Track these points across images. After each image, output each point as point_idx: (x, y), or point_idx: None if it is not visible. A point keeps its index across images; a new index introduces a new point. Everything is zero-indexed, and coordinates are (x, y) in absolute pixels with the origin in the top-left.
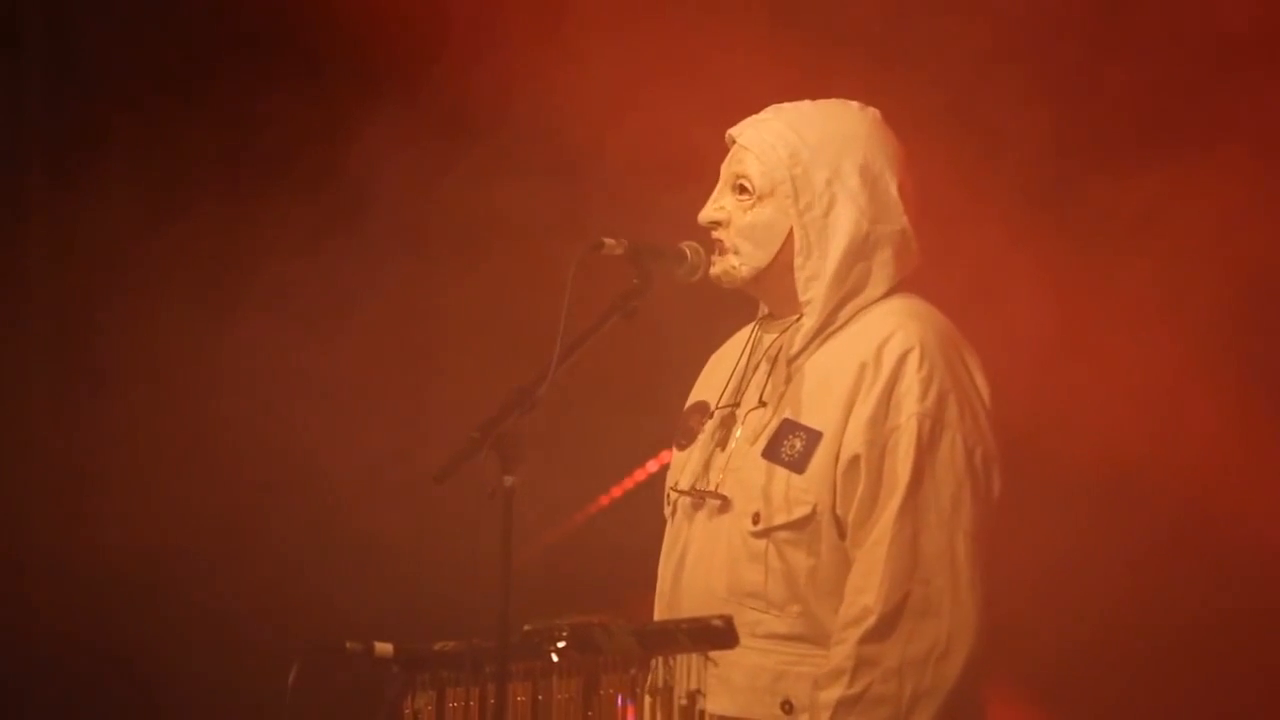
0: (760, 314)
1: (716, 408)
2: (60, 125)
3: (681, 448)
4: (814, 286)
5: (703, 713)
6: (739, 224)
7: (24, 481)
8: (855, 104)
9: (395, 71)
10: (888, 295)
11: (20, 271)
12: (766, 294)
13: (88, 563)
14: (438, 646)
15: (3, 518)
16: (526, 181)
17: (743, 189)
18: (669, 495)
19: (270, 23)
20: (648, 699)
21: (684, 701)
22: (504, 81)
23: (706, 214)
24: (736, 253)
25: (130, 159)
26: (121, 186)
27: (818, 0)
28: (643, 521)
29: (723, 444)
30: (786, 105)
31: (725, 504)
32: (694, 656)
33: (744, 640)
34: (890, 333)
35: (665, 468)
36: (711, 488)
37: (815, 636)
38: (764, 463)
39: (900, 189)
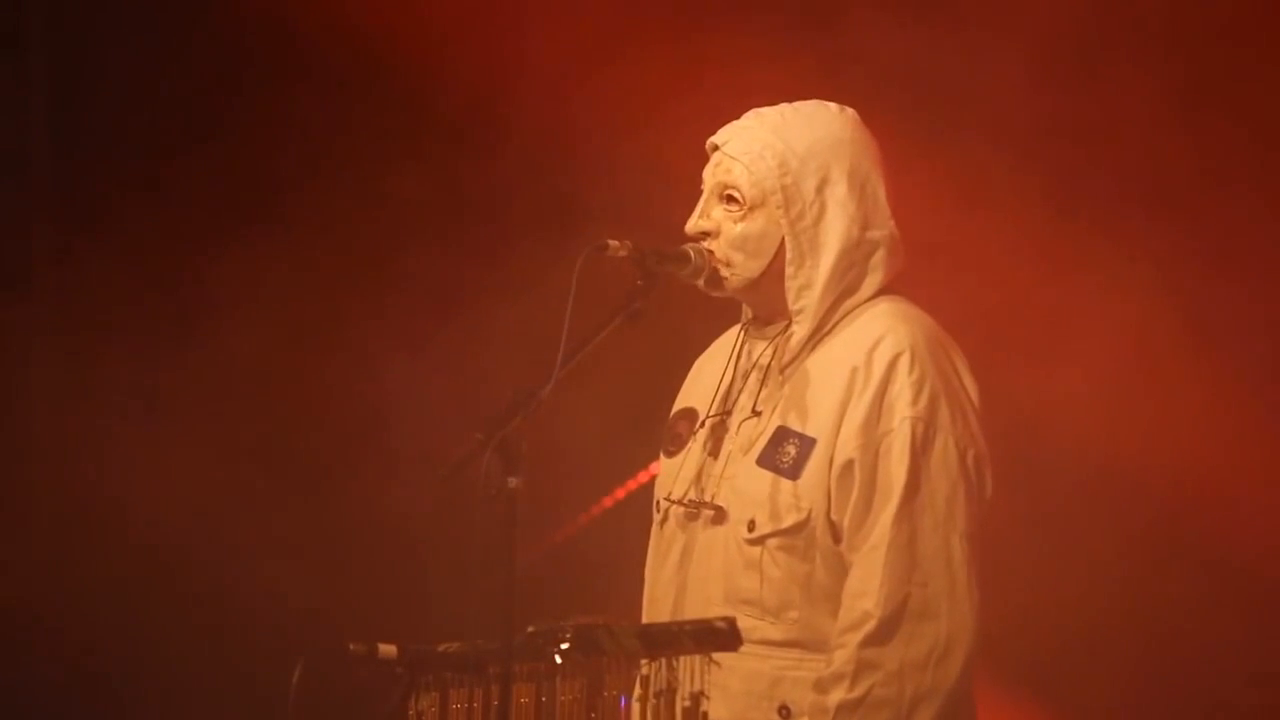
0: (745, 318)
1: (707, 416)
2: (64, 128)
3: (670, 455)
4: (806, 296)
5: (705, 715)
6: (730, 235)
7: (27, 486)
8: (834, 106)
9: (407, 92)
10: (875, 297)
11: (25, 276)
12: (756, 301)
13: (91, 564)
14: (442, 648)
15: (8, 517)
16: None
17: (731, 199)
18: (658, 503)
19: (280, 38)
20: (650, 702)
21: (687, 704)
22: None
23: (695, 224)
24: (728, 264)
25: (135, 160)
26: (127, 191)
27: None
28: (648, 523)
29: (715, 453)
30: (766, 110)
31: (720, 514)
32: (697, 659)
33: (741, 646)
34: (880, 336)
35: None
36: (707, 498)
37: (811, 642)
38: (759, 470)
39: (888, 191)
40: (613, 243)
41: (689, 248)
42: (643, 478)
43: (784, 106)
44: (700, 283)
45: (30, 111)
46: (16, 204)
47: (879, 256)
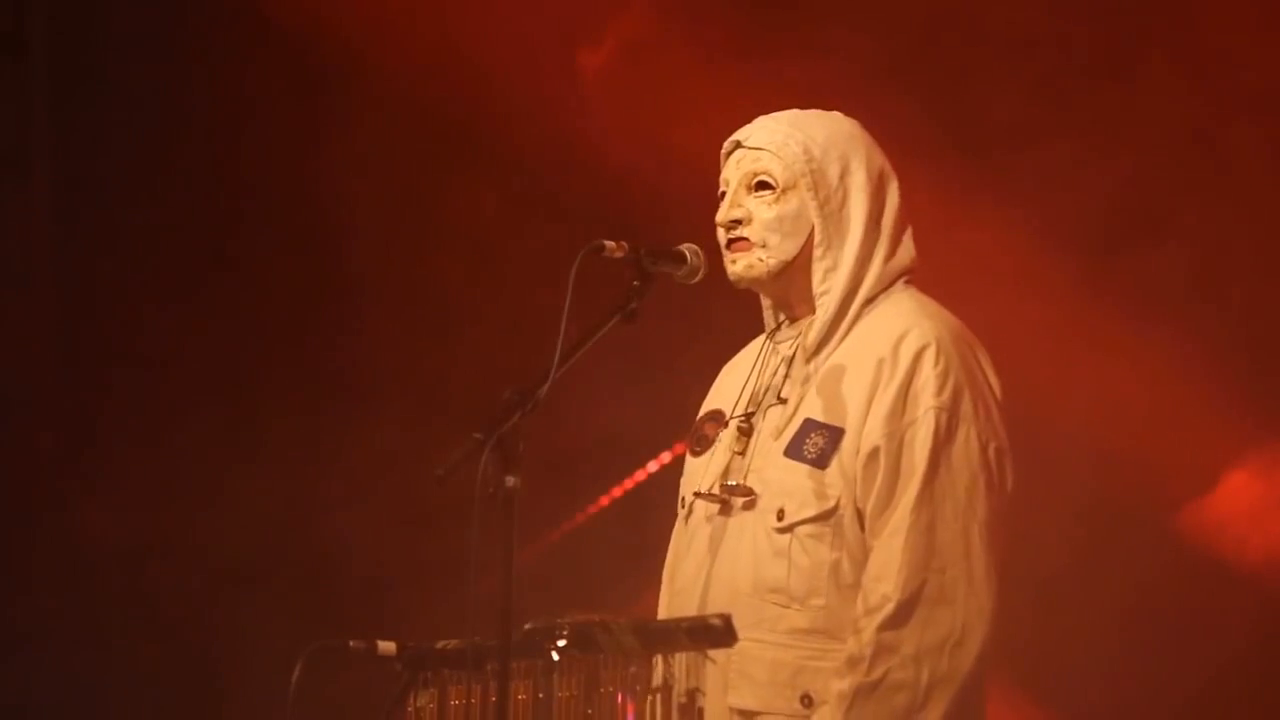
0: (769, 326)
1: (732, 416)
2: (65, 132)
3: (696, 454)
4: (832, 278)
5: (701, 710)
6: (764, 218)
7: (31, 488)
8: (836, 111)
9: (404, 95)
10: (891, 289)
11: (26, 276)
12: (783, 292)
13: (93, 559)
14: (440, 645)
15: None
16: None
17: (762, 185)
18: (684, 499)
19: (287, 44)
20: (649, 696)
21: (683, 699)
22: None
23: (727, 213)
24: (764, 246)
25: (136, 163)
26: (129, 193)
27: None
28: (644, 520)
29: (742, 451)
30: (776, 113)
31: (750, 502)
32: (693, 654)
33: (765, 635)
34: (906, 330)
35: (664, 468)
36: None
37: (835, 630)
38: (787, 461)
39: (899, 187)
40: (609, 243)
41: (685, 248)
42: (640, 476)
43: (792, 110)
44: (701, 277)
45: (32, 114)
46: (18, 205)
47: (895, 247)
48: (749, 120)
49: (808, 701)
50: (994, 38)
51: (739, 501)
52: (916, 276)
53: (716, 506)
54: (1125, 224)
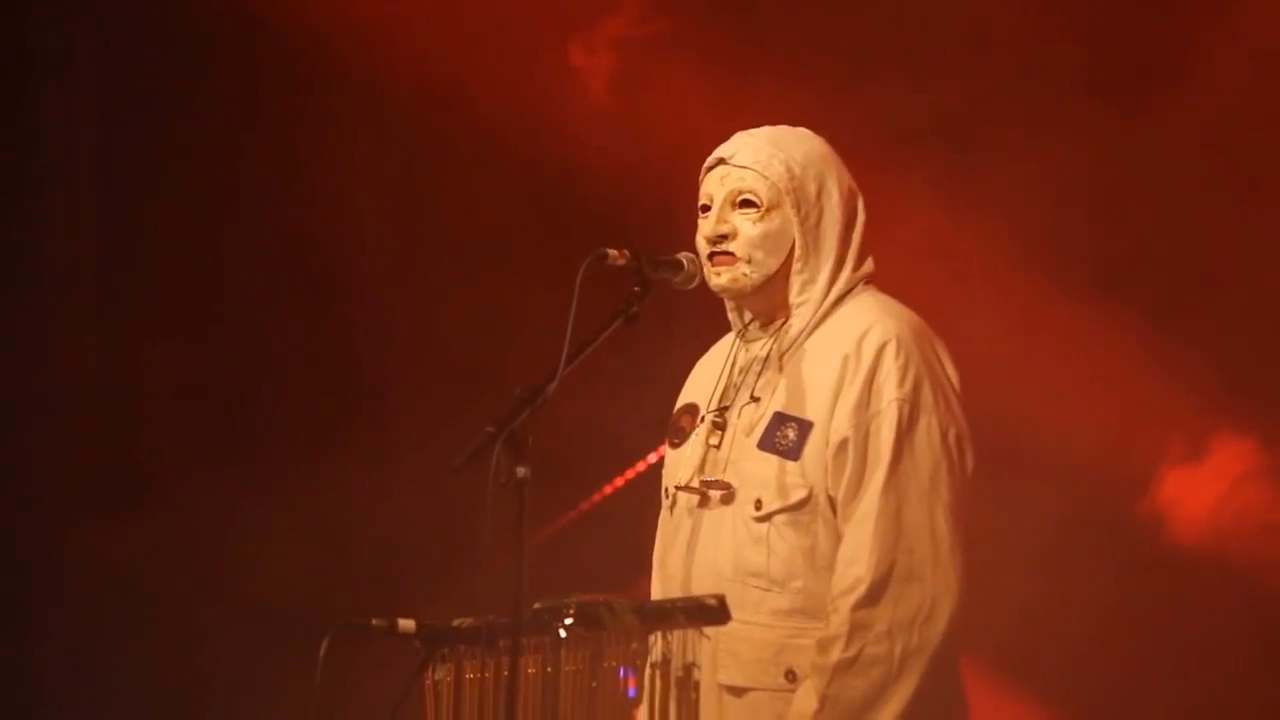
0: (736, 327)
1: (707, 411)
2: (111, 145)
3: (675, 446)
4: (809, 290)
5: (697, 684)
6: (750, 235)
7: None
8: (805, 129)
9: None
10: (852, 290)
11: (73, 286)
12: (761, 302)
13: (126, 547)
14: (456, 623)
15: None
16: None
17: (748, 203)
18: (667, 490)
19: (321, 62)
20: (648, 670)
21: (680, 674)
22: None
23: (714, 229)
24: (749, 261)
25: (177, 176)
26: (170, 206)
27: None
28: (642, 510)
29: (718, 443)
30: (755, 130)
31: (729, 494)
32: (690, 632)
33: (750, 617)
34: (868, 327)
35: (661, 460)
36: (714, 479)
37: (814, 610)
38: (761, 453)
39: (863, 202)
40: (611, 251)
41: (682, 255)
42: (641, 467)
43: (767, 127)
44: (697, 283)
45: (79, 130)
46: (65, 216)
47: (861, 256)
48: (743, 124)
49: (791, 677)
50: (990, 42)
51: (717, 495)
52: (876, 277)
53: (697, 499)
54: (1094, 222)
